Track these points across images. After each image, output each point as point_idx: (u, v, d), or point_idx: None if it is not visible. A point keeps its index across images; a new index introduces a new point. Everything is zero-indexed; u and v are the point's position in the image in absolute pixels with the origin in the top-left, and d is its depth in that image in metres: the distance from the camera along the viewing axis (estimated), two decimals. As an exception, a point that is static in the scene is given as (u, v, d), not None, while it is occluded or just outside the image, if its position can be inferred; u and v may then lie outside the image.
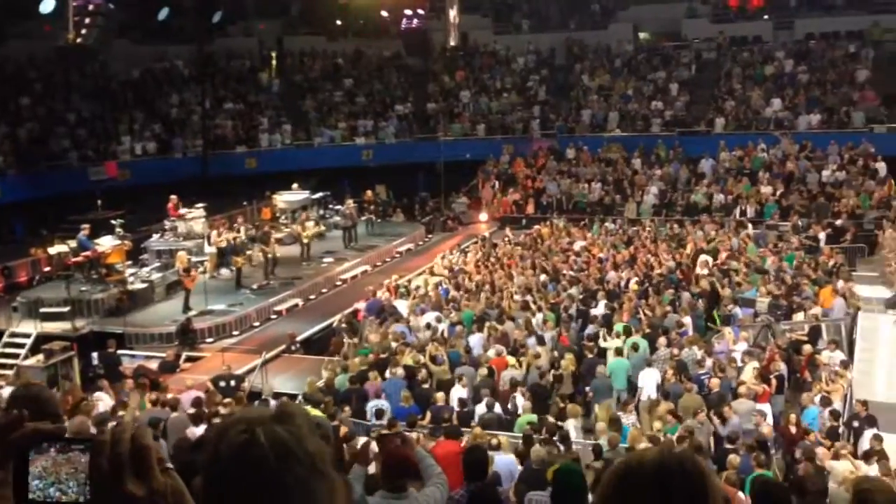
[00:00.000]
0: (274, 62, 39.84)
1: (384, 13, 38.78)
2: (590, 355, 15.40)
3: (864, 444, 11.62)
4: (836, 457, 10.76)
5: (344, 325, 18.56)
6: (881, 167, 28.97)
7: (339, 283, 23.52)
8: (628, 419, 12.71)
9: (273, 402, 12.76)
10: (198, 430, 10.97)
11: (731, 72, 34.92)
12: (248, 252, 23.54)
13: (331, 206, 29.36)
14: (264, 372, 16.17)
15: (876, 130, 30.65)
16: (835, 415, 12.68)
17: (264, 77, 38.13)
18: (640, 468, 1.62)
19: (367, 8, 38.71)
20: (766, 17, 38.08)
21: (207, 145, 32.99)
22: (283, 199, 27.86)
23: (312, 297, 22.32)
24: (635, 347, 15.40)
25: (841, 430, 12.55)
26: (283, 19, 42.25)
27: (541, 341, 15.87)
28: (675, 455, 1.64)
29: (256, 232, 24.77)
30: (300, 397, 14.12)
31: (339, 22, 41.71)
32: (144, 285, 20.84)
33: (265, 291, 21.68)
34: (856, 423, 12.56)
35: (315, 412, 12.32)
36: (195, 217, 23.47)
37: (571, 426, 12.02)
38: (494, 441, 10.96)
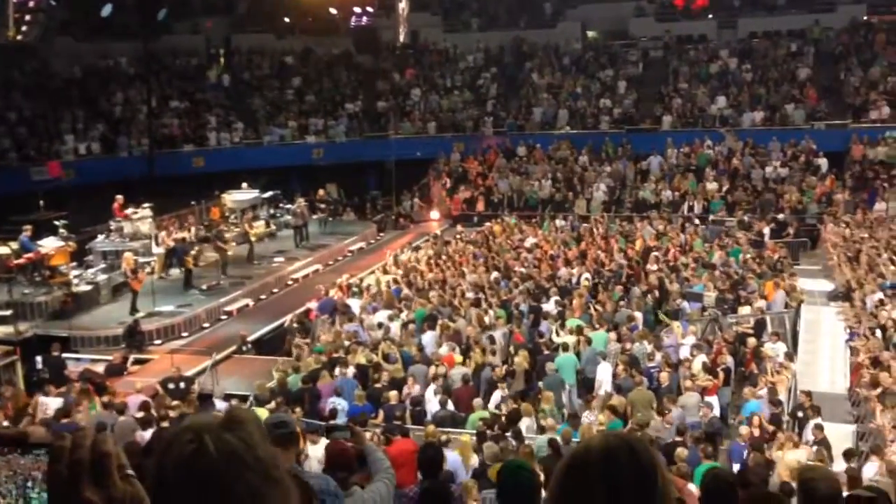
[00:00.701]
0: (222, 60, 39.31)
1: (333, 10, 38.60)
2: (546, 351, 15.50)
3: (808, 433, 11.90)
4: (781, 447, 11.01)
5: (296, 325, 18.42)
6: (822, 163, 29.74)
7: (290, 282, 23.33)
8: (592, 415, 12.79)
9: (223, 404, 12.64)
10: (146, 434, 10.80)
11: (678, 70, 35.46)
12: (198, 251, 23.23)
13: (281, 205, 29.11)
14: (215, 373, 15.98)
15: (816, 127, 31.41)
16: (775, 403, 12.95)
17: (212, 75, 37.61)
18: (587, 454, 1.63)
19: (316, 5, 38.46)
20: (710, 16, 38.74)
21: (154, 144, 32.41)
22: (231, 198, 27.53)
23: (263, 296, 22.11)
24: (589, 342, 15.56)
25: (786, 420, 12.83)
26: (230, 17, 41.72)
27: (492, 339, 15.93)
28: (620, 437, 1.65)
29: (207, 232, 24.42)
30: (251, 398, 13.99)
31: (287, 19, 41.31)
32: (90, 287, 20.41)
33: (215, 292, 21.41)
34: (800, 414, 12.86)
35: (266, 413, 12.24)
36: (142, 217, 23.06)
37: (524, 425, 12.09)
38: (444, 438, 10.97)
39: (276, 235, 27.06)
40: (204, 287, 21.55)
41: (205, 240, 24.01)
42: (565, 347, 15.27)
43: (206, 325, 19.84)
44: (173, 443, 1.40)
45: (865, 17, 36.26)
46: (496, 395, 13.76)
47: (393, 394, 13.50)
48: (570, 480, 1.63)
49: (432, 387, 13.98)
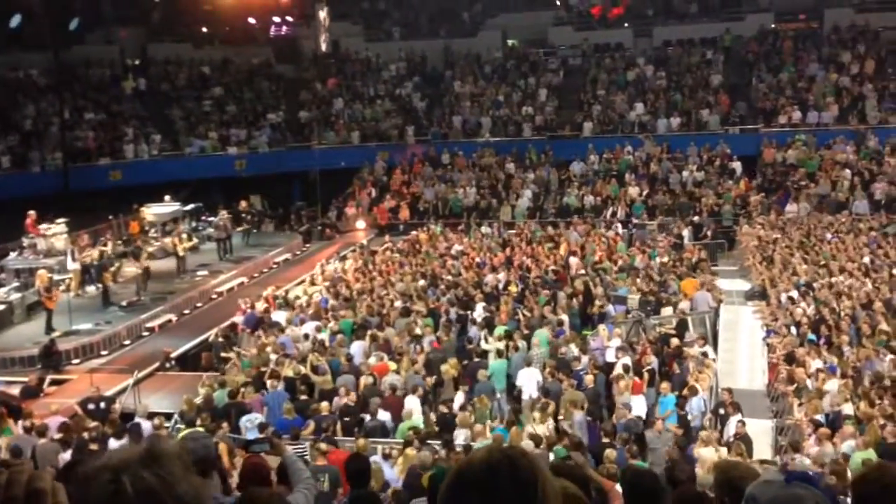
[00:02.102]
0: (137, 70, 38.38)
1: (251, 20, 38.14)
2: (476, 359, 15.56)
3: (731, 429, 12.23)
4: (703, 444, 11.28)
5: (221, 340, 18.07)
6: (737, 166, 30.71)
7: (214, 296, 22.87)
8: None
9: (146, 424, 12.30)
10: (68, 455, 10.45)
11: (597, 78, 36.15)
12: (117, 267, 22.60)
13: (203, 217, 28.56)
14: (137, 392, 15.56)
15: (730, 132, 32.43)
16: (681, 405, 13.25)
17: (127, 86, 36.68)
18: (470, 468, 1.65)
19: (234, 15, 37.96)
20: (626, 25, 39.66)
21: (68, 158, 31.41)
22: (151, 211, 26.90)
23: (187, 311, 21.64)
24: (516, 347, 15.69)
25: (708, 417, 13.16)
26: (145, 26, 40.79)
27: (422, 347, 15.92)
28: (503, 452, 1.67)
29: (126, 247, 23.77)
30: (176, 416, 13.67)
31: (204, 29, 40.65)
32: (2, 307, 19.66)
33: (136, 308, 20.85)
34: (722, 411, 13.20)
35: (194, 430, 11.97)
36: (56, 233, 22.34)
37: (462, 435, 12.12)
38: (387, 450, 10.91)
39: (198, 248, 26.51)
40: (124, 303, 20.98)
41: (123, 255, 23.36)
42: (500, 353, 15.37)
43: (126, 342, 19.30)
44: (91, 482, 1.34)
45: (773, 25, 37.67)
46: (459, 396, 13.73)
47: (324, 405, 13.36)
48: (453, 494, 1.65)
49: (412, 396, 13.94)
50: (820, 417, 11.93)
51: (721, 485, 4.11)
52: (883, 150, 29.91)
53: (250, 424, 12.64)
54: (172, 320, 20.87)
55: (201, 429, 11.44)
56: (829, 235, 23.87)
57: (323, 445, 10.62)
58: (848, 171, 28.87)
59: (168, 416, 13.79)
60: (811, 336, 15.90)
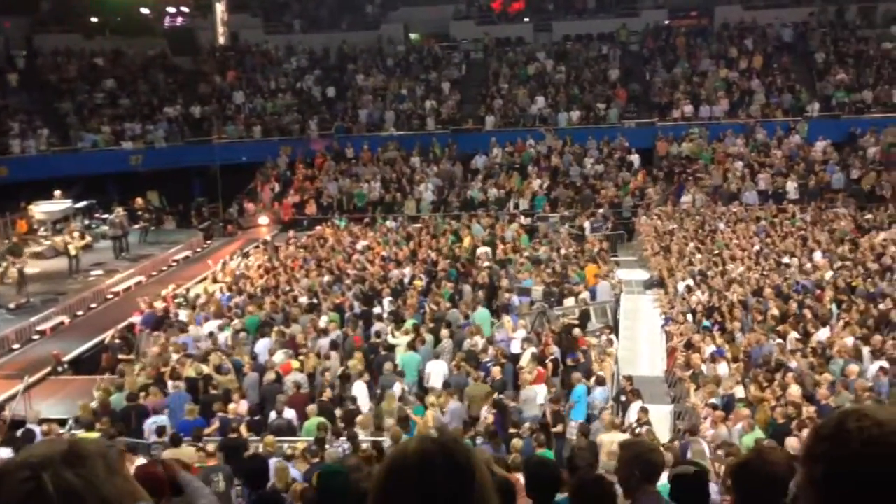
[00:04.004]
0: (23, 62, 36.64)
1: (145, 10, 36.92)
2: (384, 352, 15.51)
3: (632, 416, 12.56)
4: (605, 430, 11.55)
5: (118, 341, 17.46)
6: (635, 159, 31.58)
7: (110, 296, 22.07)
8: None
9: (39, 429, 11.81)
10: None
11: (498, 72, 36.52)
12: (4, 268, 21.56)
13: (97, 214, 27.53)
14: (27, 398, 14.87)
15: (627, 125, 33.30)
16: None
17: (12, 78, 34.97)
18: (404, 458, 1.63)
19: (126, 4, 36.69)
20: (526, 19, 40.18)
21: (-52, 154, 29.83)
22: (41, 209, 25.77)
23: (80, 313, 20.80)
24: (423, 341, 15.73)
25: (610, 404, 13.49)
26: (31, 16, 38.97)
27: (334, 345, 15.76)
28: (436, 441, 1.66)
29: (12, 246, 22.68)
30: (71, 421, 13.16)
31: (94, 19, 39.13)
32: None
33: (24, 310, 19.94)
34: (623, 398, 13.55)
35: (92, 436, 11.57)
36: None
37: (362, 433, 12.07)
38: (289, 452, 10.76)
39: (92, 247, 25.53)
40: (12, 306, 20.04)
41: (11, 253, 22.31)
42: (411, 346, 15.38)
43: (16, 346, 18.43)
44: (7, 480, 1.26)
45: (667, 22, 38.84)
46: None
47: (231, 406, 13.09)
48: (387, 485, 1.63)
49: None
50: (715, 401, 12.38)
51: (629, 461, 4.22)
52: (770, 143, 31.26)
53: (155, 427, 12.31)
54: (65, 322, 20.05)
55: (97, 434, 11.07)
56: (721, 225, 24.81)
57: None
58: (739, 164, 30.08)
59: (62, 423, 13.26)
60: (706, 323, 16.49)
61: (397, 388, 13.77)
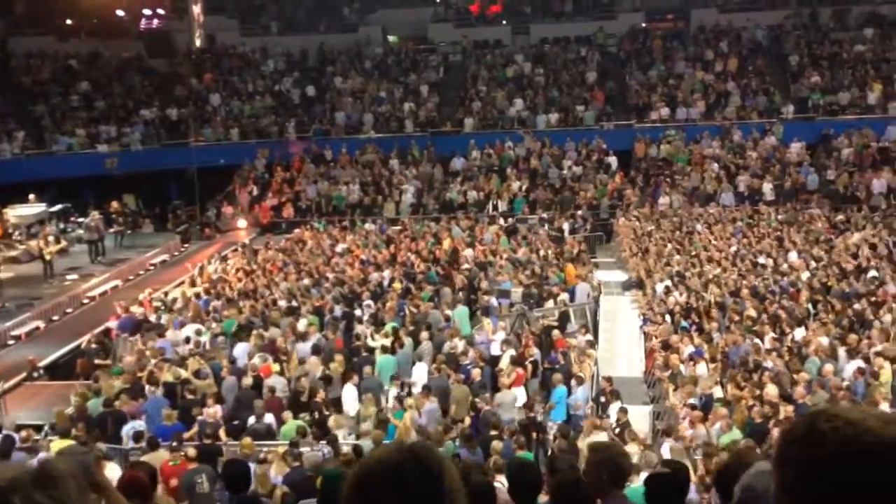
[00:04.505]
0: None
1: (120, 12, 36.64)
2: (365, 354, 15.47)
3: (611, 416, 12.61)
4: (587, 434, 11.58)
5: (94, 346, 17.30)
6: (612, 161, 31.72)
7: (86, 300, 21.87)
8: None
9: (17, 436, 11.68)
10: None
11: (477, 74, 36.57)
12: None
13: (72, 218, 27.27)
14: (2, 404, 14.71)
15: (605, 127, 33.46)
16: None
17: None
18: (376, 465, 1.64)
19: (102, 6, 36.39)
20: (504, 22, 40.29)
21: (-80, 157, 29.42)
22: (15, 213, 25.50)
23: (56, 317, 20.58)
24: (401, 344, 15.70)
25: (590, 405, 13.54)
26: (5, 18, 38.55)
27: (316, 350, 15.67)
28: (407, 449, 1.67)
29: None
30: (47, 427, 13.01)
31: (70, 21, 38.77)
32: None
33: (-1, 316, 19.73)
34: (603, 399, 13.61)
35: (67, 442, 11.45)
36: None
37: (340, 434, 12.03)
38: (262, 455, 10.70)
39: (68, 251, 25.27)
40: (-14, 311, 19.81)
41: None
42: (386, 349, 15.35)
43: (-10, 352, 18.23)
44: None
45: (643, 25, 39.09)
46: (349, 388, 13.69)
47: (210, 410, 13.01)
48: (358, 493, 1.63)
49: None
50: (694, 401, 12.46)
51: (597, 464, 4.22)
52: (746, 144, 31.53)
53: (143, 430, 12.23)
54: (40, 327, 19.84)
55: (73, 441, 10.96)
56: (699, 227, 24.98)
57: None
58: (715, 165, 30.31)
59: (38, 428, 13.11)
60: (684, 323, 16.59)
61: (392, 392, 13.80)
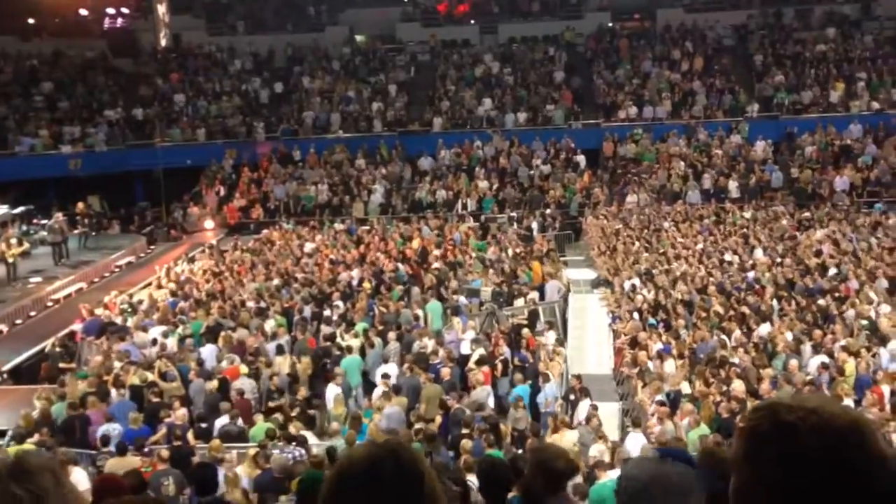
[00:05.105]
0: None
1: (83, 12, 36.16)
2: (337, 353, 15.39)
3: (581, 414, 12.67)
4: (556, 430, 11.65)
5: (58, 349, 17.06)
6: (581, 160, 31.89)
7: (50, 303, 21.56)
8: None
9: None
10: None
11: (445, 73, 36.59)
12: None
13: (36, 220, 26.86)
14: (-34, 409, 14.46)
15: (574, 126, 33.62)
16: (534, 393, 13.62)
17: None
18: (352, 465, 1.63)
19: (65, 6, 35.90)
20: (472, 21, 40.36)
21: None
22: (-24, 215, 25.04)
23: (19, 321, 20.27)
24: (371, 344, 15.66)
25: (560, 403, 13.59)
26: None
27: (280, 350, 15.58)
28: (383, 446, 1.66)
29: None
30: (10, 433, 12.79)
31: (32, 21, 38.19)
32: None
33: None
34: (572, 396, 13.67)
35: (28, 446, 11.29)
36: None
37: (309, 434, 11.97)
38: (221, 456, 10.61)
39: (30, 253, 24.87)
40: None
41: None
42: (351, 349, 15.30)
43: (-48, 357, 17.89)
44: None
45: (610, 24, 39.35)
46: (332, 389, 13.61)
47: (177, 413, 12.87)
48: (336, 491, 1.62)
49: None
50: (662, 397, 12.56)
51: (532, 468, 4.14)
52: (712, 143, 31.87)
53: (114, 434, 12.07)
54: (3, 331, 19.52)
55: (31, 446, 10.80)
56: (666, 224, 25.20)
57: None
58: (682, 164, 30.59)
59: (1, 434, 12.91)
60: (652, 320, 16.72)
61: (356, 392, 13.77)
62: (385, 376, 14.06)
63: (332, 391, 13.88)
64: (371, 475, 1.59)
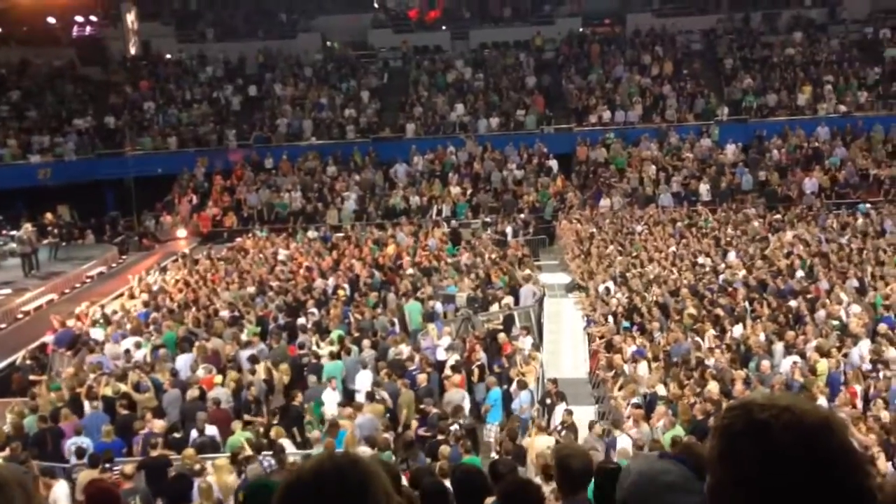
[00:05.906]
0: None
1: (51, 20, 35.77)
2: (314, 360, 15.32)
3: (557, 418, 12.71)
4: (531, 434, 11.67)
5: (29, 362, 16.82)
6: (553, 164, 32.03)
7: (20, 315, 21.26)
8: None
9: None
10: None
11: (418, 79, 36.61)
12: None
13: (4, 231, 26.51)
14: (-67, 425, 14.17)
15: (546, 131, 33.77)
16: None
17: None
18: (298, 479, 1.64)
19: (32, 14, 35.46)
20: (444, 27, 40.44)
21: None
22: (-57, 227, 24.64)
23: (-11, 334, 19.99)
24: (347, 351, 15.60)
25: (536, 408, 13.62)
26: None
27: (254, 359, 15.47)
28: (332, 461, 1.67)
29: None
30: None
31: (-1, 29, 37.75)
32: None
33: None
34: (548, 401, 13.71)
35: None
36: None
37: (288, 443, 11.91)
38: (197, 466, 10.52)
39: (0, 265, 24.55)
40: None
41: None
42: (333, 355, 15.24)
43: (-80, 371, 17.58)
44: None
45: (581, 29, 39.59)
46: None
47: (158, 422, 12.75)
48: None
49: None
50: (638, 400, 12.62)
51: (557, 468, 4.22)
52: (682, 146, 32.15)
53: (85, 446, 11.92)
54: (-28, 344, 19.22)
55: (1, 461, 10.63)
56: (639, 228, 25.36)
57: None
58: (653, 167, 30.83)
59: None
60: (626, 324, 16.81)
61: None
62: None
63: (329, 396, 13.83)
64: (314, 489, 1.61)
